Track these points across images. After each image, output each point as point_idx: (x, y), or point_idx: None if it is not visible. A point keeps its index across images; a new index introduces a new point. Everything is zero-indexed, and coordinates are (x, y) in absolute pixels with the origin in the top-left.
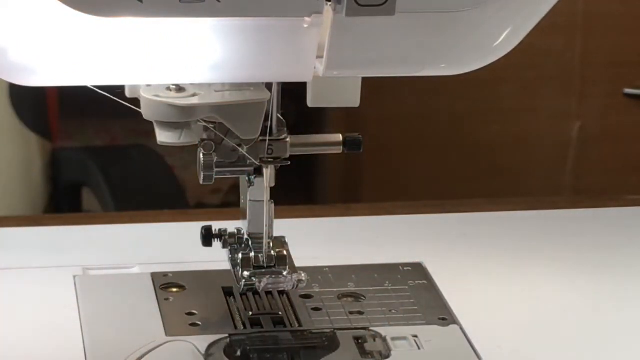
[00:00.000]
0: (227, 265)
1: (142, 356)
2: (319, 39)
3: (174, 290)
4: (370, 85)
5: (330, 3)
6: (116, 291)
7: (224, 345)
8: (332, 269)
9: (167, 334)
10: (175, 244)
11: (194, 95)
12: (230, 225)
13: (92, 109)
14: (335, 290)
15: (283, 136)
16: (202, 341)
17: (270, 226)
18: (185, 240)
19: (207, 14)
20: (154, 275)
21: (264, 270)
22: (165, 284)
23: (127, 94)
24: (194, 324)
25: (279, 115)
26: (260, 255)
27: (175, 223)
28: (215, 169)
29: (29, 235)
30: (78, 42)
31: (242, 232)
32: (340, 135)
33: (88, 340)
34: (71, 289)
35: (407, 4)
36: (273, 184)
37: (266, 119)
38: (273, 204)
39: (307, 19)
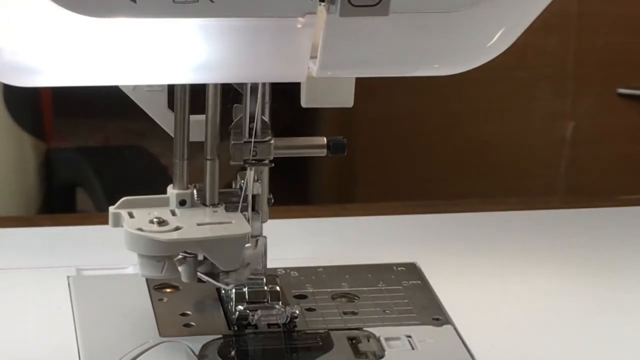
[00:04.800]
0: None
1: (136, 357)
2: (312, 39)
3: (168, 290)
4: (363, 86)
5: (323, 3)
6: (110, 292)
7: (217, 346)
8: (326, 269)
9: (161, 335)
10: None
11: (176, 229)
12: None
13: (86, 110)
14: (329, 290)
15: (267, 138)
16: (196, 342)
17: (264, 261)
18: None
19: (200, 14)
20: None
21: (257, 305)
22: (159, 285)
23: None
24: (187, 325)
25: (264, 118)
26: (253, 290)
27: None
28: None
29: (22, 235)
30: (72, 42)
31: None
32: (325, 138)
33: (82, 341)
34: (65, 289)
35: (400, 4)
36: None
37: (251, 121)
38: (266, 239)
39: (300, 19)
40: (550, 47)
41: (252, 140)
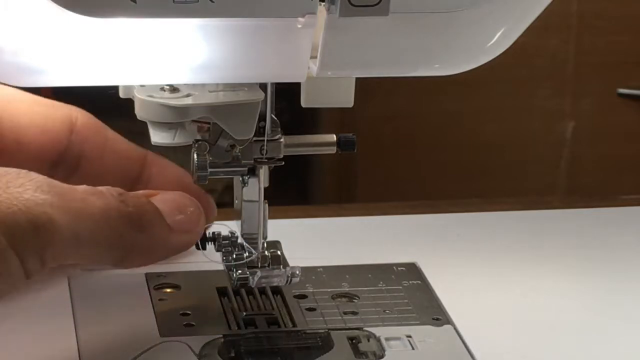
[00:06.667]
0: (221, 266)
1: (137, 357)
2: (312, 39)
3: (168, 290)
4: (364, 85)
5: (323, 3)
6: (110, 291)
7: (218, 345)
8: (326, 269)
9: (161, 335)
10: None
11: (187, 95)
12: (225, 227)
13: (87, 110)
14: (329, 290)
15: (277, 136)
16: (197, 341)
17: (264, 226)
18: None
19: (200, 15)
20: (148, 276)
21: (257, 268)
22: (160, 284)
23: (121, 94)
24: (188, 325)
25: (273, 116)
26: (254, 255)
27: None
28: (209, 170)
29: None
30: (72, 42)
31: (236, 234)
32: (335, 136)
33: (82, 341)
34: (65, 289)
35: (400, 5)
36: (267, 184)
37: (260, 119)
38: (267, 204)
39: (300, 19)
40: (550, 47)
41: (263, 138)
